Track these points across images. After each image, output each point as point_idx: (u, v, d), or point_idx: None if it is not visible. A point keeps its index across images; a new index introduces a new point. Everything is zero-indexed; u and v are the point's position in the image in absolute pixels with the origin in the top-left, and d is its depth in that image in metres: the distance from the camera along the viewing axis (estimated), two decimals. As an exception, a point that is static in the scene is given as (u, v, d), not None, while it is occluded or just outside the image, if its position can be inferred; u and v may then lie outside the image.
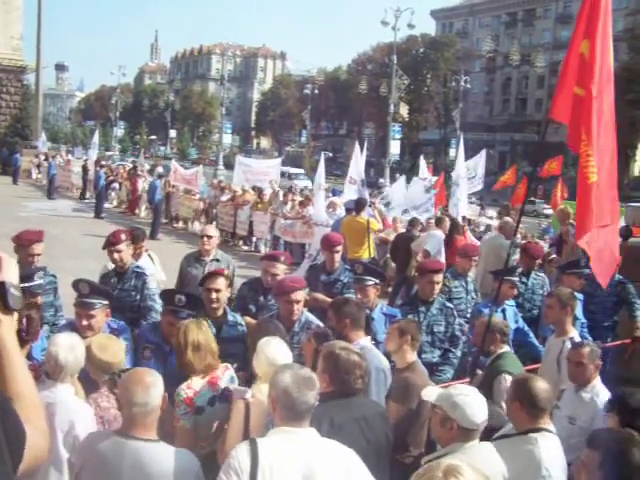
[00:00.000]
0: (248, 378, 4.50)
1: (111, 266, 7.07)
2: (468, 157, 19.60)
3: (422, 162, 20.82)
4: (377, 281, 6.51)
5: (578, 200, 5.09)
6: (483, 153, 20.23)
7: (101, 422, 4.03)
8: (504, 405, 4.84)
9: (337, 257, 7.34)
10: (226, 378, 4.39)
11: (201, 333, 4.39)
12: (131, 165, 33.49)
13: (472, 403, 3.51)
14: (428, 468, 2.43)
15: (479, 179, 19.33)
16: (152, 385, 3.40)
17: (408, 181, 17.85)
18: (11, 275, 1.96)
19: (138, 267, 6.57)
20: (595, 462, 3.14)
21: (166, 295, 5.42)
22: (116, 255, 6.46)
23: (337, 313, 4.98)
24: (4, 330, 1.93)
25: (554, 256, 9.71)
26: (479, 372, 5.66)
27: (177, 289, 5.67)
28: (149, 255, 7.91)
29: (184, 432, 4.03)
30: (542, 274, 8.72)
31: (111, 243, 6.45)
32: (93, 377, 4.32)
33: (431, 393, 3.77)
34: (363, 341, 4.76)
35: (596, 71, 4.91)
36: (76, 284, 5.13)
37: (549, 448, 3.82)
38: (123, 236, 6.46)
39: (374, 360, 4.65)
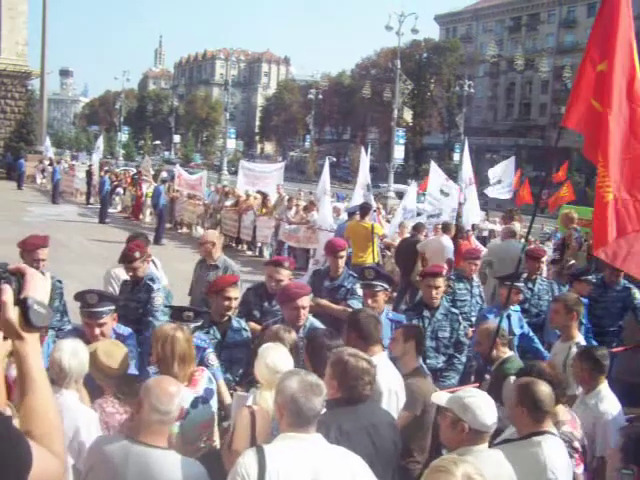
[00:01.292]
0: (250, 384, 4.49)
1: (114, 272, 7.13)
2: (472, 162, 19.45)
3: (432, 165, 20.11)
4: (387, 286, 6.49)
5: (595, 216, 5.23)
6: (512, 159, 19.81)
7: (106, 427, 4.02)
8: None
9: (341, 262, 7.32)
10: (205, 379, 4.39)
11: (185, 342, 4.33)
12: (135, 170, 33.55)
13: (482, 405, 3.53)
14: (446, 469, 2.50)
15: (508, 186, 18.92)
16: (176, 395, 3.43)
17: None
18: (37, 291, 1.89)
19: (152, 279, 6.54)
20: (619, 445, 3.31)
21: (174, 312, 5.40)
22: (130, 272, 6.52)
23: (352, 327, 4.84)
24: (28, 348, 1.87)
25: (573, 262, 9.70)
26: (487, 377, 5.65)
27: (184, 306, 5.63)
28: (152, 261, 7.91)
29: (172, 438, 4.00)
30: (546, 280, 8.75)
31: (126, 261, 6.49)
32: (98, 383, 4.32)
33: (441, 397, 3.77)
34: (378, 357, 4.54)
35: (615, 90, 4.94)
36: (82, 295, 5.10)
37: (553, 451, 3.83)
38: (137, 254, 6.44)
39: (387, 380, 4.52)
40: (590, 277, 8.02)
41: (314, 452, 3.11)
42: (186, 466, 3.34)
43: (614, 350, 7.61)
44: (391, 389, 4.54)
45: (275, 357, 4.06)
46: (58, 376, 3.94)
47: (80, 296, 5.12)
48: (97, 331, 4.99)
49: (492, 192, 19.40)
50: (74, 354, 4.02)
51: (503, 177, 18.95)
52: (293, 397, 3.14)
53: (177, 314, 5.26)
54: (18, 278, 1.90)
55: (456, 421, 3.52)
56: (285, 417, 3.18)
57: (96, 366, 4.24)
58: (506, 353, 5.63)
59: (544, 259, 9.22)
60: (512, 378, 5.20)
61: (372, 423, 3.74)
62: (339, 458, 3.16)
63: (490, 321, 6.32)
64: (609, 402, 4.89)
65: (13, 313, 1.84)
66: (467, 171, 17.81)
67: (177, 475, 3.28)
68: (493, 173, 19.30)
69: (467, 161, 18.27)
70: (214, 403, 4.41)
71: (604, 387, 4.98)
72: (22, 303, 1.85)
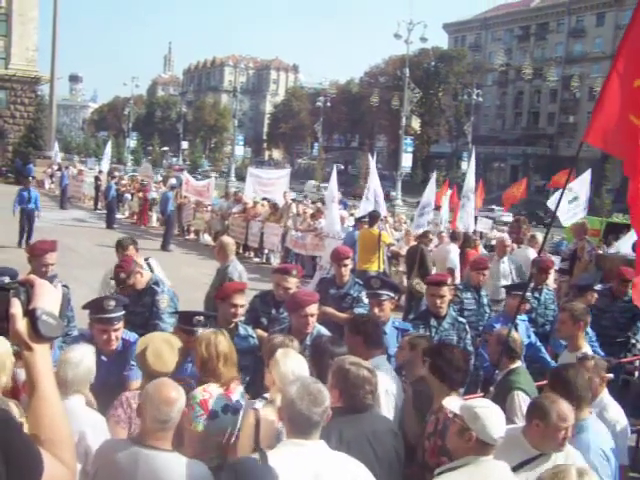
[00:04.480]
0: (259, 390, 4.49)
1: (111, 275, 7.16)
2: (480, 170, 19.41)
3: (433, 178, 19.46)
4: (392, 295, 6.48)
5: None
6: (588, 172, 16.40)
7: (128, 422, 4.05)
8: (516, 421, 4.81)
9: (346, 270, 7.31)
10: (239, 392, 4.39)
11: (227, 344, 4.41)
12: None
13: (493, 417, 3.49)
14: None
15: (583, 203, 15.49)
16: (176, 401, 3.42)
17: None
18: (46, 302, 1.88)
19: (156, 283, 6.57)
20: None
21: (183, 316, 5.40)
22: (129, 290, 6.57)
23: (352, 330, 4.90)
24: (37, 358, 1.86)
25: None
26: (491, 389, 5.59)
27: (193, 311, 5.64)
28: (148, 264, 7.82)
29: (195, 435, 4.02)
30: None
31: (119, 284, 6.60)
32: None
33: (453, 403, 3.75)
34: (377, 360, 4.63)
35: None
36: (99, 302, 5.07)
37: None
38: (122, 275, 6.52)
39: (384, 382, 4.53)
40: (597, 287, 8.04)
41: (315, 458, 3.11)
42: (191, 467, 3.36)
43: (622, 361, 7.59)
44: (388, 390, 4.56)
45: (292, 362, 4.03)
46: (62, 384, 3.94)
47: (95, 303, 5.10)
48: (113, 336, 4.97)
49: (567, 214, 15.48)
50: (78, 363, 4.03)
51: (580, 194, 15.61)
52: (291, 403, 3.15)
53: (186, 318, 5.26)
54: (27, 289, 1.88)
55: (464, 429, 3.50)
56: (286, 422, 3.21)
57: (142, 364, 4.25)
58: (514, 363, 5.57)
59: (552, 271, 9.19)
60: (516, 392, 5.17)
61: (373, 431, 3.73)
62: (341, 464, 3.16)
63: (504, 328, 6.25)
64: (613, 410, 4.91)
65: (22, 325, 1.84)
66: (472, 180, 17.90)
67: (182, 475, 3.30)
68: (571, 190, 15.53)
69: (473, 170, 18.35)
70: (240, 418, 4.40)
71: (605, 395, 4.99)
72: (30, 314, 1.84)
